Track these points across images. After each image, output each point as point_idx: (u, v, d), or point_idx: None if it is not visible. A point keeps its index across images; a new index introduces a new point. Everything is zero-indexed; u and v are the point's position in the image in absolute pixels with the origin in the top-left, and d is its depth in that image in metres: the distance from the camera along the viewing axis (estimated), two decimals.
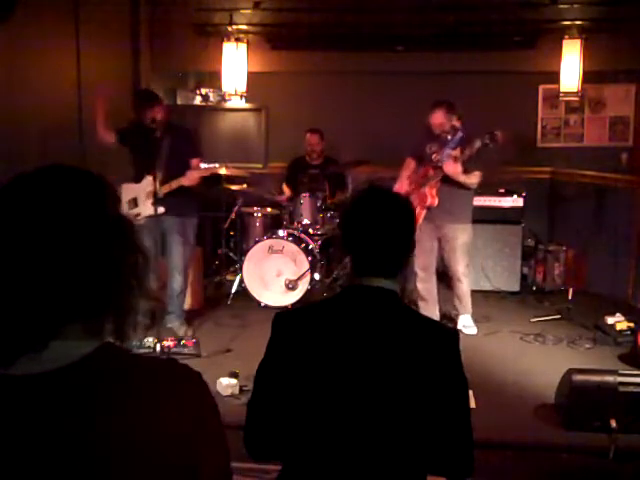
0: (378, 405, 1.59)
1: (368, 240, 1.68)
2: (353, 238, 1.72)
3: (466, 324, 5.07)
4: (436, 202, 4.82)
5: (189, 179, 4.61)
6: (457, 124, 4.88)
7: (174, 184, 4.58)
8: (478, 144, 4.62)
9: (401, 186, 5.02)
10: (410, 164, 5.11)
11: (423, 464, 1.65)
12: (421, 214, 4.87)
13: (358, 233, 1.71)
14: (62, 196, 0.96)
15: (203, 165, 5.06)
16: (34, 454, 0.89)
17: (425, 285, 5.07)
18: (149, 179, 4.50)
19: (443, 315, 5.29)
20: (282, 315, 1.74)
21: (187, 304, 5.22)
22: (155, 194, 4.39)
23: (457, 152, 4.75)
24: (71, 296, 0.94)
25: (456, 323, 5.10)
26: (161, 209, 4.45)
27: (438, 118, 4.82)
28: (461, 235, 4.92)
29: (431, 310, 4.98)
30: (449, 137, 4.82)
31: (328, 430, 1.62)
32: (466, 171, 4.76)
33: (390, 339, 1.63)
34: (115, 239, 0.98)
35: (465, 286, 5.05)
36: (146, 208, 4.56)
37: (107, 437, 0.91)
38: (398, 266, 1.71)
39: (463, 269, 4.99)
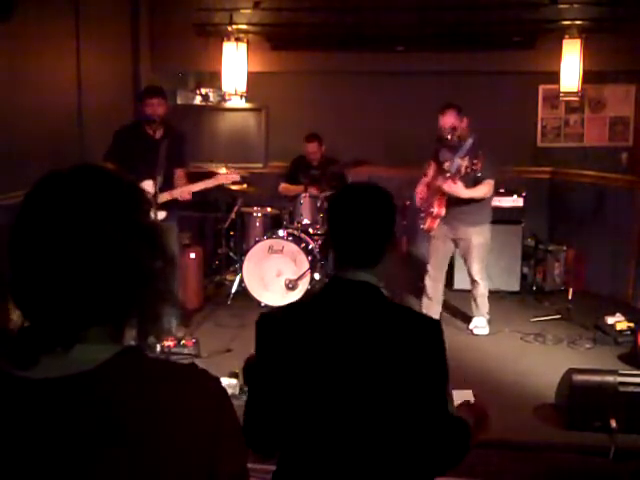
0: (366, 399, 1.61)
1: (346, 230, 1.72)
2: (334, 230, 1.76)
3: (478, 325, 5.09)
4: (443, 213, 4.81)
5: (181, 195, 4.56)
6: (464, 126, 4.84)
7: (167, 195, 4.54)
8: (462, 171, 4.64)
9: (421, 191, 5.01)
10: (431, 169, 5.06)
11: (414, 453, 1.66)
12: (434, 222, 4.87)
13: (338, 225, 1.74)
14: (94, 198, 0.95)
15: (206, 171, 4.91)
16: (48, 458, 0.89)
17: (433, 283, 5.08)
18: (148, 184, 4.47)
19: (461, 314, 5.28)
20: (266, 316, 1.75)
21: (187, 304, 5.22)
22: (156, 199, 4.40)
23: (465, 161, 4.69)
24: (97, 299, 0.93)
25: (467, 324, 5.14)
26: (162, 214, 4.45)
27: (450, 120, 4.76)
28: (476, 237, 4.91)
29: (434, 309, 4.98)
30: (462, 143, 4.77)
31: (319, 425, 1.63)
32: (477, 181, 4.74)
33: (374, 332, 1.65)
34: (144, 245, 0.98)
35: (482, 288, 5.05)
36: None
37: (123, 442, 0.91)
38: (378, 255, 1.73)
39: (478, 271, 4.99)
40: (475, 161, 4.54)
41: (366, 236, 1.71)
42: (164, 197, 4.52)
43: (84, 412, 0.91)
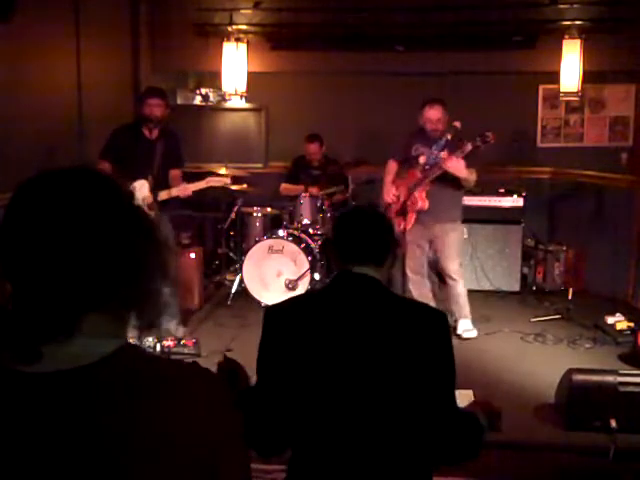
0: (376, 389, 1.64)
1: (351, 230, 1.83)
2: (340, 233, 1.85)
3: (466, 328, 4.99)
4: (427, 205, 4.74)
5: (183, 192, 4.58)
6: (458, 125, 4.84)
7: (165, 194, 4.56)
8: (469, 147, 4.54)
9: (388, 193, 4.92)
10: (392, 167, 5.02)
11: (421, 444, 1.69)
12: (412, 218, 4.80)
13: (344, 229, 1.85)
14: (85, 191, 0.97)
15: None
16: (45, 453, 0.89)
17: (418, 288, 4.99)
18: (143, 183, 4.48)
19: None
20: (273, 309, 1.79)
21: (187, 304, 5.22)
22: (155, 198, 4.44)
23: (444, 154, 4.67)
24: (94, 284, 0.94)
25: (455, 329, 5.06)
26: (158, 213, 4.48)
27: (438, 113, 4.74)
28: (451, 233, 4.85)
29: None
30: (442, 137, 4.74)
31: (328, 418, 1.65)
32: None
33: (381, 323, 1.69)
34: (137, 231, 1.00)
35: (460, 286, 4.95)
36: None
37: (124, 440, 0.91)
38: (381, 255, 1.81)
39: (455, 267, 4.91)
40: (488, 133, 4.47)
41: (369, 234, 1.81)
42: (163, 195, 4.54)
43: (80, 407, 0.91)
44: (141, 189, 4.48)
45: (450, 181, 4.74)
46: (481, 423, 1.79)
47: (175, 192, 4.59)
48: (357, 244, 1.79)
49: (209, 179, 4.81)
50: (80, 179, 0.99)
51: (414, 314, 1.74)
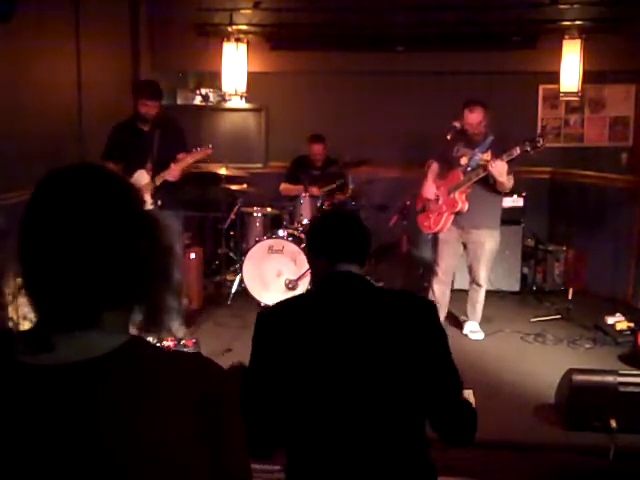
0: (374, 386, 1.67)
1: (343, 231, 1.90)
2: (329, 233, 1.92)
3: (473, 329, 5.03)
4: (466, 207, 4.73)
5: (170, 174, 4.56)
6: (458, 125, 4.83)
7: (159, 179, 4.58)
8: (517, 151, 4.48)
9: (428, 191, 4.93)
10: (435, 168, 5.01)
11: (422, 436, 1.73)
12: (449, 219, 4.80)
13: (332, 228, 1.92)
14: (96, 191, 0.99)
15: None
16: (48, 445, 0.90)
17: (442, 288, 5.00)
18: (141, 173, 4.51)
19: (463, 314, 5.22)
20: (265, 312, 1.83)
21: (187, 304, 5.21)
22: (155, 186, 4.49)
23: (488, 156, 4.67)
24: (101, 285, 0.96)
25: (462, 327, 5.09)
26: (158, 202, 4.51)
27: (479, 117, 4.68)
28: (488, 240, 4.84)
29: (440, 313, 4.89)
30: (485, 139, 4.73)
31: (328, 416, 1.66)
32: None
33: (374, 316, 1.75)
34: (143, 235, 1.01)
35: (482, 293, 4.99)
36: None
37: (124, 435, 0.91)
38: (367, 253, 1.91)
39: (485, 275, 4.94)
40: (539, 139, 4.46)
41: (355, 234, 1.90)
42: (157, 181, 4.57)
43: (84, 400, 0.91)
44: (141, 178, 4.53)
45: (490, 185, 4.73)
46: (473, 409, 1.84)
47: (166, 175, 4.57)
48: (345, 244, 1.86)
49: (192, 154, 4.73)
50: (99, 180, 1.01)
51: (405, 304, 1.82)
